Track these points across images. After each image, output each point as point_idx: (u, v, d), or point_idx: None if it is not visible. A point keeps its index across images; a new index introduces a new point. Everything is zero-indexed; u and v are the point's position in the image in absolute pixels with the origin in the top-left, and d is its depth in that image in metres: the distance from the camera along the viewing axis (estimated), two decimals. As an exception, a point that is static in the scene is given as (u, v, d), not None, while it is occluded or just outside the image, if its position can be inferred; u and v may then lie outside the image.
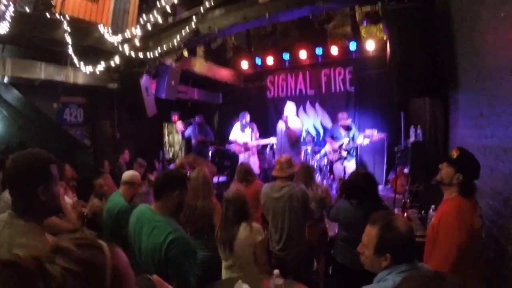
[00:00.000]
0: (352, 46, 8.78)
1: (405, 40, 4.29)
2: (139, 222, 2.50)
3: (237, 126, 8.25)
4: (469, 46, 3.45)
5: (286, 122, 6.97)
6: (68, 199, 4.29)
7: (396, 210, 4.97)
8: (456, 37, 3.89)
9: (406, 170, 6.25)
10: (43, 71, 6.42)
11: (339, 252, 3.56)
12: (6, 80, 6.25)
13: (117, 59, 6.52)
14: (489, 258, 2.73)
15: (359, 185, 3.44)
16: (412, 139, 5.85)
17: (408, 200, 5.64)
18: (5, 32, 5.28)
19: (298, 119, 7.30)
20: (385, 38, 6.52)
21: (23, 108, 7.01)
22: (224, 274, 3.29)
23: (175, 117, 10.48)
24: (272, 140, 8.29)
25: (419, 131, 5.67)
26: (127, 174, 4.05)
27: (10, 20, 5.23)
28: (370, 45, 8.46)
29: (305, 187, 4.08)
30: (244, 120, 8.10)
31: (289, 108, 7.26)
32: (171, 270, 2.24)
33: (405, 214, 5.26)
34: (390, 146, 7.82)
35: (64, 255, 0.83)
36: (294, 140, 7.07)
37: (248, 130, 8.07)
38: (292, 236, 3.82)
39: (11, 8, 5.26)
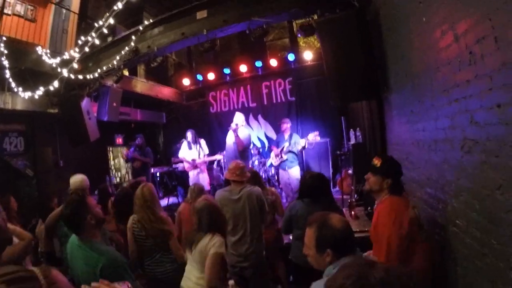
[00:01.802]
0: (291, 57, 9.16)
1: (337, 48, 4.54)
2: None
3: (184, 144, 8.21)
4: (397, 50, 3.76)
5: (235, 131, 7.06)
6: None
7: (344, 210, 5.20)
8: (386, 43, 4.21)
9: (350, 171, 6.59)
10: None
11: (294, 251, 3.67)
12: None
13: (56, 83, 6.25)
14: (435, 240, 2.97)
15: (314, 185, 3.58)
16: (352, 141, 6.20)
17: (354, 199, 5.98)
18: None
19: (247, 129, 7.41)
20: (321, 47, 6.90)
21: None
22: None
23: (119, 140, 10.22)
24: (218, 157, 8.38)
25: (358, 133, 6.03)
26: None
27: None
28: (308, 55, 8.88)
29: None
30: (190, 138, 8.09)
31: (238, 118, 7.32)
32: None
33: (353, 213, 5.56)
34: (333, 150, 8.18)
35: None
36: (242, 149, 7.14)
37: (195, 147, 8.06)
38: (253, 238, 3.85)
39: None
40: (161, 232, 3.55)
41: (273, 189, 5.25)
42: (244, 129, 7.33)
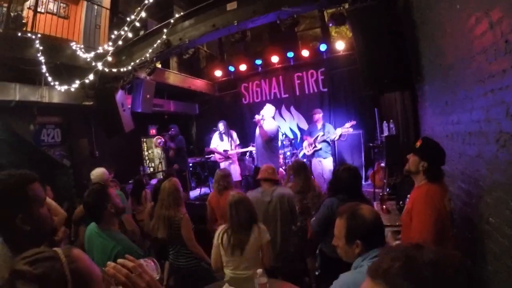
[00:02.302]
0: (323, 47, 9.00)
1: (368, 37, 4.41)
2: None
3: (216, 135, 8.29)
4: (430, 39, 3.60)
5: (258, 122, 7.04)
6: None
7: (375, 204, 5.07)
8: (418, 30, 4.05)
9: (383, 164, 6.43)
10: (17, 92, 6.28)
11: (329, 247, 3.52)
12: None
13: (91, 76, 6.48)
14: (465, 238, 2.86)
15: (348, 179, 3.42)
16: (385, 133, 6.03)
17: (386, 193, 5.81)
18: None
19: (273, 121, 7.37)
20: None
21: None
22: (228, 277, 3.23)
23: (153, 131, 10.46)
24: (250, 148, 8.41)
25: (391, 125, 5.85)
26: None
27: None
28: (340, 45, 8.68)
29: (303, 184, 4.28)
30: (222, 129, 8.15)
31: (267, 110, 7.30)
32: None
33: (384, 207, 5.41)
34: (366, 143, 8.01)
35: (22, 278, 0.85)
36: (267, 139, 7.05)
37: (226, 138, 8.12)
38: (283, 239, 3.85)
39: None
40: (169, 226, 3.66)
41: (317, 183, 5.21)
42: (271, 121, 7.27)
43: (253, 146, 8.48)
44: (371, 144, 7.42)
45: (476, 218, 2.65)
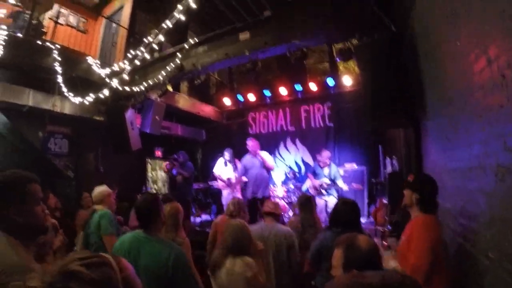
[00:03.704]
0: (330, 82, 9.14)
1: (374, 72, 4.50)
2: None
3: (220, 161, 8.35)
4: (432, 75, 3.69)
5: (260, 155, 7.28)
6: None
7: (376, 240, 5.02)
8: (422, 67, 4.13)
9: (385, 201, 6.39)
10: (30, 98, 6.48)
11: (322, 280, 3.43)
12: None
13: (106, 92, 6.66)
14: (465, 273, 2.82)
15: (347, 213, 3.43)
16: (388, 169, 6.04)
17: (387, 230, 5.75)
18: None
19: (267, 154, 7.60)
20: (360, 72, 6.88)
21: (8, 133, 6.96)
22: None
23: (158, 153, 10.54)
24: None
25: (394, 161, 5.88)
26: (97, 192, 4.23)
27: (3, 43, 5.34)
28: (347, 80, 8.83)
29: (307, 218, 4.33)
30: (228, 157, 8.22)
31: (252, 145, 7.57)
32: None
33: (385, 243, 5.35)
34: (370, 179, 7.99)
35: (76, 279, 0.84)
36: (271, 170, 7.35)
37: (230, 166, 8.18)
38: (279, 277, 3.80)
39: (4, 32, 5.39)
40: None
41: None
42: (265, 153, 7.55)
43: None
44: (373, 180, 7.40)
45: (476, 253, 2.64)
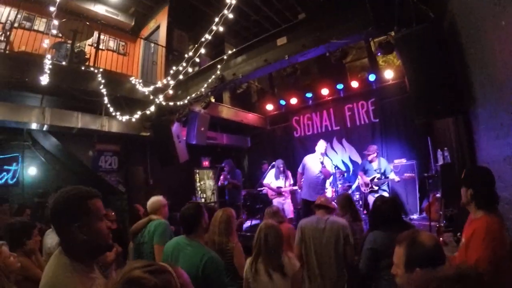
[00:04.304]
0: (371, 77, 8.96)
1: (417, 63, 4.35)
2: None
3: (271, 172, 8.31)
4: (479, 59, 3.51)
5: (323, 163, 7.11)
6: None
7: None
8: (466, 52, 3.95)
9: (438, 195, 6.15)
10: (79, 120, 6.94)
11: (383, 284, 3.29)
12: (45, 128, 6.77)
13: (152, 108, 6.97)
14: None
15: (388, 211, 3.36)
16: (440, 162, 5.79)
17: (443, 225, 5.51)
18: (45, 84, 5.83)
19: (327, 158, 7.44)
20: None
21: (60, 154, 7.51)
22: None
23: (205, 163, 10.81)
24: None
25: (446, 153, 5.63)
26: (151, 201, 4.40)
27: (48, 72, 5.77)
28: (389, 74, 8.60)
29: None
30: (281, 167, 8.13)
31: (320, 145, 7.31)
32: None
33: (441, 239, 5.12)
34: (421, 173, 7.70)
35: (140, 285, 0.87)
36: (328, 178, 7.26)
37: (282, 177, 8.12)
38: (337, 272, 3.77)
39: (49, 62, 5.82)
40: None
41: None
42: (327, 159, 7.36)
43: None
44: (425, 175, 7.13)
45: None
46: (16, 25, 7.21)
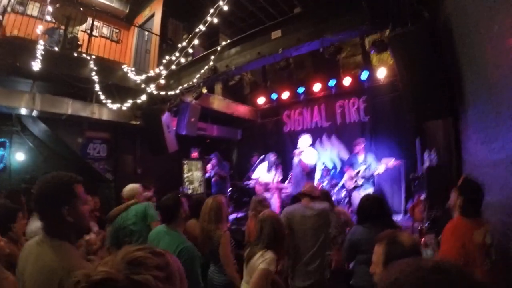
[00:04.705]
0: (364, 75, 8.93)
1: (409, 64, 4.35)
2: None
3: (263, 165, 8.34)
4: (471, 60, 3.53)
5: (298, 155, 7.13)
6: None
7: (413, 237, 4.85)
8: (459, 53, 3.96)
9: (423, 197, 6.20)
10: (70, 107, 6.86)
11: (356, 276, 3.49)
12: (34, 113, 6.68)
13: (143, 97, 6.91)
14: (504, 269, 2.72)
15: (372, 208, 3.49)
16: (426, 164, 5.83)
17: (425, 227, 5.55)
18: (37, 69, 5.77)
19: (313, 151, 7.37)
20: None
21: (49, 140, 7.43)
22: None
23: (194, 154, 10.77)
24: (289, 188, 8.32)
25: (433, 155, 5.65)
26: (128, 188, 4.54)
27: (40, 58, 5.68)
28: (382, 73, 8.58)
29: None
30: (272, 161, 8.16)
31: (304, 140, 7.36)
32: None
33: (422, 240, 5.16)
34: (407, 174, 7.74)
35: (143, 265, 0.87)
36: (307, 172, 7.13)
37: (273, 171, 8.14)
38: (321, 255, 3.89)
39: (41, 47, 5.73)
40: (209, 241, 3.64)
41: (342, 209, 5.18)
42: (311, 151, 7.30)
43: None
44: (411, 176, 7.17)
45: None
46: (9, 9, 7.07)
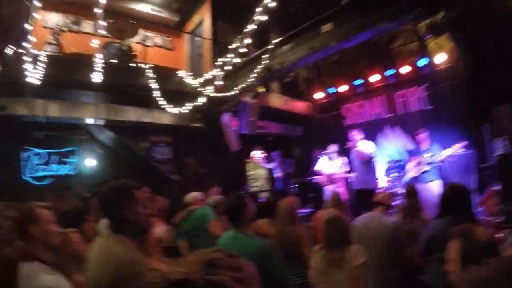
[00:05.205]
0: (422, 62, 8.55)
1: (472, 46, 4.19)
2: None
3: (323, 159, 8.40)
4: None
5: (352, 147, 7.36)
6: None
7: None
8: None
9: (496, 188, 5.81)
10: (133, 114, 7.43)
11: (433, 276, 3.22)
12: (100, 122, 7.36)
13: (203, 99, 7.29)
14: None
15: (455, 199, 3.26)
16: (498, 152, 5.47)
17: (501, 220, 5.17)
18: (98, 82, 6.36)
19: (368, 142, 7.47)
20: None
21: (115, 147, 8.09)
22: None
23: (255, 157, 11.03)
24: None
25: (505, 142, 5.31)
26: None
27: (101, 71, 6.21)
28: (440, 58, 8.12)
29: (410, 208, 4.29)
30: (331, 151, 8.27)
31: (356, 136, 7.57)
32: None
33: (498, 236, 4.79)
34: (480, 163, 7.26)
35: (219, 266, 0.91)
36: (366, 160, 7.26)
37: (338, 161, 8.19)
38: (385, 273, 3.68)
39: (100, 61, 6.26)
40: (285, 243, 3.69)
41: None
42: (366, 142, 7.41)
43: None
44: (481, 165, 6.72)
45: None
46: (65, 29, 7.81)
